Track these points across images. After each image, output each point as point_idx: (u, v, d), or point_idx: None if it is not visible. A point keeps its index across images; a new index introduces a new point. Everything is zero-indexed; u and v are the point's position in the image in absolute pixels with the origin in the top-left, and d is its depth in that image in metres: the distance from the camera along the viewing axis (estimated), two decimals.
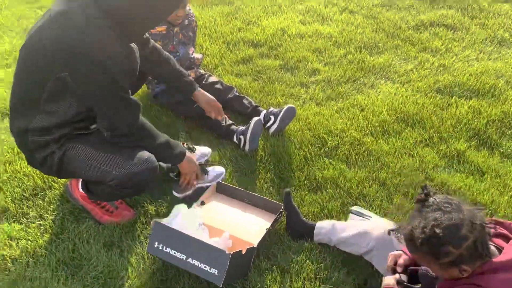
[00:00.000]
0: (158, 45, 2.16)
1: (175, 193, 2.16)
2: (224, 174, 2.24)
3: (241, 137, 2.39)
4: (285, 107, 2.49)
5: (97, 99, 1.66)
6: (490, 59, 3.17)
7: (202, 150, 2.35)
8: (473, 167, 2.32)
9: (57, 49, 1.55)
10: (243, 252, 1.67)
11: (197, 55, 2.76)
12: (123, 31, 1.61)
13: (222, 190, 2.13)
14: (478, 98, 2.80)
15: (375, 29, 3.51)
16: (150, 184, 1.94)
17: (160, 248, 1.70)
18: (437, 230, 1.20)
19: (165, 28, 2.50)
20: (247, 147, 2.38)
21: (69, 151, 1.78)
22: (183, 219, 1.85)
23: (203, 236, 1.82)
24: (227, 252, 1.60)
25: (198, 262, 1.66)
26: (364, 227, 1.82)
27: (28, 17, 3.61)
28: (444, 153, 2.42)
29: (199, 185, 2.18)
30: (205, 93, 2.32)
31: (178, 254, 1.68)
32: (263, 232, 1.85)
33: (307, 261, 1.85)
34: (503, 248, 1.30)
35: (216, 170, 2.23)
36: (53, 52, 1.56)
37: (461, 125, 2.59)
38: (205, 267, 1.64)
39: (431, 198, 1.29)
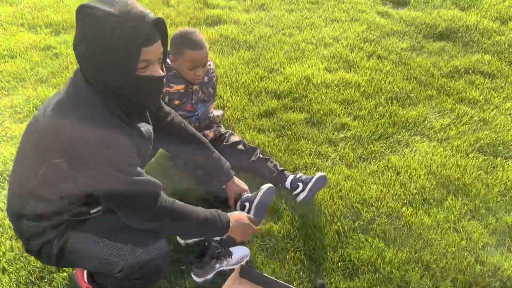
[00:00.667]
0: (190, 126, 2.00)
1: (194, 277, 1.94)
2: (248, 256, 2.02)
3: (246, 204, 2.11)
4: (316, 176, 2.27)
5: (102, 189, 1.46)
6: None
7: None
8: None
9: (54, 137, 1.38)
10: None
11: (217, 112, 2.58)
12: (122, 108, 1.44)
13: (247, 274, 1.91)
14: None
15: (406, 77, 3.30)
16: (163, 273, 1.73)
17: None
18: None
19: (183, 87, 2.33)
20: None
21: (70, 240, 1.58)
22: None
23: None
24: None
25: None
26: None
27: (43, 65, 3.50)
28: (494, 228, 2.16)
29: (221, 267, 1.97)
30: (238, 183, 2.15)
31: None
32: None
33: None
34: None
35: (240, 250, 2.01)
36: (49, 140, 1.39)
37: (511, 193, 2.33)
38: None
39: None
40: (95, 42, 1.32)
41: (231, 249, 2.00)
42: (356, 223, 2.19)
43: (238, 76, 3.33)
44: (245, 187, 2.16)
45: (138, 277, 1.61)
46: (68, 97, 1.41)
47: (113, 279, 1.63)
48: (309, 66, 3.44)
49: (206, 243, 1.96)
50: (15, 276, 1.96)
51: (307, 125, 2.86)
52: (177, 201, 1.60)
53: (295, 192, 2.32)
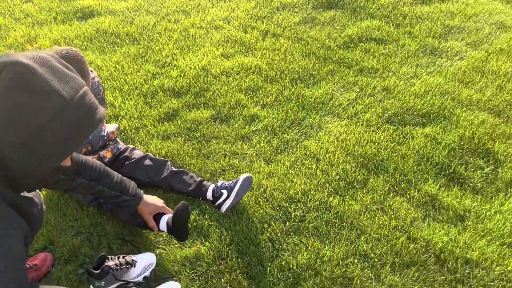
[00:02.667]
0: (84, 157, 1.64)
1: None
2: (154, 264, 1.80)
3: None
4: (241, 178, 2.08)
5: None
6: (428, 74, 3.02)
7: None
8: (451, 213, 2.11)
9: None
10: None
11: (111, 127, 2.22)
12: (16, 185, 1.08)
13: None
14: (430, 123, 2.62)
15: (305, 53, 3.20)
16: None
17: None
18: None
19: None
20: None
21: None
22: None
23: None
24: None
25: None
26: None
27: None
28: (417, 200, 2.18)
29: (123, 279, 1.72)
30: (151, 202, 1.83)
31: None
32: None
33: None
34: None
35: (145, 258, 1.80)
36: None
37: (424, 161, 2.38)
38: None
39: None
40: (22, 127, 0.97)
41: (135, 256, 1.77)
42: (287, 224, 2.05)
43: (127, 76, 2.95)
44: (160, 203, 1.87)
45: None
46: None
47: None
48: (204, 55, 3.17)
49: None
50: None
51: (215, 122, 2.63)
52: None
53: (218, 202, 2.10)
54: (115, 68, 3.00)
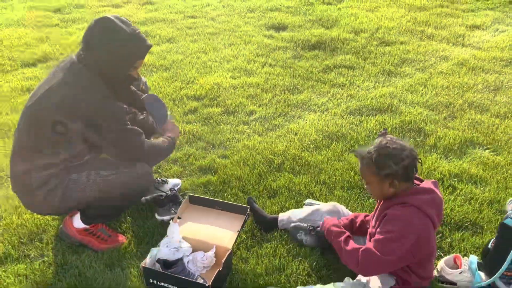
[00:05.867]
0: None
1: (157, 216, 2.54)
2: (180, 184, 2.75)
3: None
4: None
5: (101, 133, 2.09)
6: (384, 86, 4.04)
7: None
8: None
9: (62, 105, 2.03)
10: (221, 269, 2.04)
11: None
12: (108, 80, 2.13)
13: (195, 201, 2.52)
14: (381, 114, 3.59)
15: (293, 75, 4.28)
16: (147, 192, 2.48)
17: (155, 282, 2.08)
18: (386, 146, 1.78)
19: None
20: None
21: (71, 182, 2.14)
22: (164, 244, 2.17)
23: (186, 252, 2.18)
24: (207, 285, 1.96)
25: None
26: (316, 207, 2.37)
27: None
28: None
29: (160, 189, 2.63)
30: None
31: (171, 286, 2.05)
32: (235, 234, 2.25)
33: (279, 245, 2.32)
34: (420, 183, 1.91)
35: (174, 181, 2.75)
36: (58, 106, 2.02)
37: (373, 134, 3.31)
38: None
39: (387, 136, 1.87)
40: (110, 45, 2.05)
41: (167, 179, 2.77)
42: (272, 167, 2.97)
43: (161, 89, 4.04)
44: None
45: (130, 193, 2.25)
46: (73, 77, 2.07)
47: (104, 208, 2.22)
48: (218, 76, 4.28)
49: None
50: (8, 242, 2.39)
51: (223, 115, 3.65)
52: (149, 141, 2.34)
53: None
54: (152, 84, 4.11)
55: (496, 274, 1.92)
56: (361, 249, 1.82)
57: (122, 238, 2.40)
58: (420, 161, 1.87)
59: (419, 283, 1.90)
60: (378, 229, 1.86)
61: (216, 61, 4.63)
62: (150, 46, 2.15)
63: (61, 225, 2.40)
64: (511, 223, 1.87)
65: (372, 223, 1.98)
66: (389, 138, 1.86)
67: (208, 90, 4.01)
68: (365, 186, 2.00)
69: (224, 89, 4.05)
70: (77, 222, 2.34)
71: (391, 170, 1.80)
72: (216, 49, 4.93)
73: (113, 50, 2.06)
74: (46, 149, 2.09)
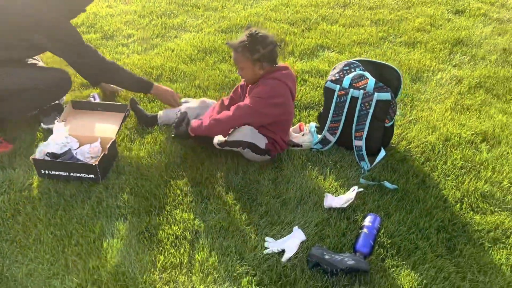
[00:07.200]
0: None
1: (43, 125, 2.73)
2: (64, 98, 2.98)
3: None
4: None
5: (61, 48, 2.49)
6: (252, 8, 4.47)
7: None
8: None
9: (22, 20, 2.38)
10: (106, 152, 2.33)
11: None
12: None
13: (77, 106, 2.72)
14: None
15: (169, 2, 4.51)
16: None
17: (47, 172, 2.32)
18: (256, 33, 2.18)
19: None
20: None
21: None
22: (52, 139, 2.43)
23: (73, 146, 2.46)
24: (94, 164, 2.25)
25: (78, 174, 2.31)
26: (187, 105, 2.74)
27: None
28: None
29: None
30: (162, 87, 2.81)
31: (62, 173, 2.31)
32: (117, 127, 2.56)
33: (159, 135, 2.68)
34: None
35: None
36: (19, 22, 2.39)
37: None
38: (84, 175, 2.30)
39: (251, 28, 2.25)
40: None
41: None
42: (150, 77, 3.27)
43: None
44: (171, 90, 2.85)
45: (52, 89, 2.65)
46: None
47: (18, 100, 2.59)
48: (93, 6, 4.34)
49: None
50: None
51: (102, 40, 3.79)
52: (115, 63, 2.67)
53: None
54: None
55: (325, 128, 2.51)
56: (233, 107, 2.27)
57: (11, 146, 2.57)
58: (280, 46, 2.32)
59: (282, 143, 2.43)
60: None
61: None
62: None
63: None
64: (330, 85, 2.45)
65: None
66: (254, 29, 2.27)
67: (84, 18, 4.08)
68: (237, 72, 2.40)
69: (101, 17, 4.15)
70: None
71: (260, 54, 2.22)
72: None
73: None
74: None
